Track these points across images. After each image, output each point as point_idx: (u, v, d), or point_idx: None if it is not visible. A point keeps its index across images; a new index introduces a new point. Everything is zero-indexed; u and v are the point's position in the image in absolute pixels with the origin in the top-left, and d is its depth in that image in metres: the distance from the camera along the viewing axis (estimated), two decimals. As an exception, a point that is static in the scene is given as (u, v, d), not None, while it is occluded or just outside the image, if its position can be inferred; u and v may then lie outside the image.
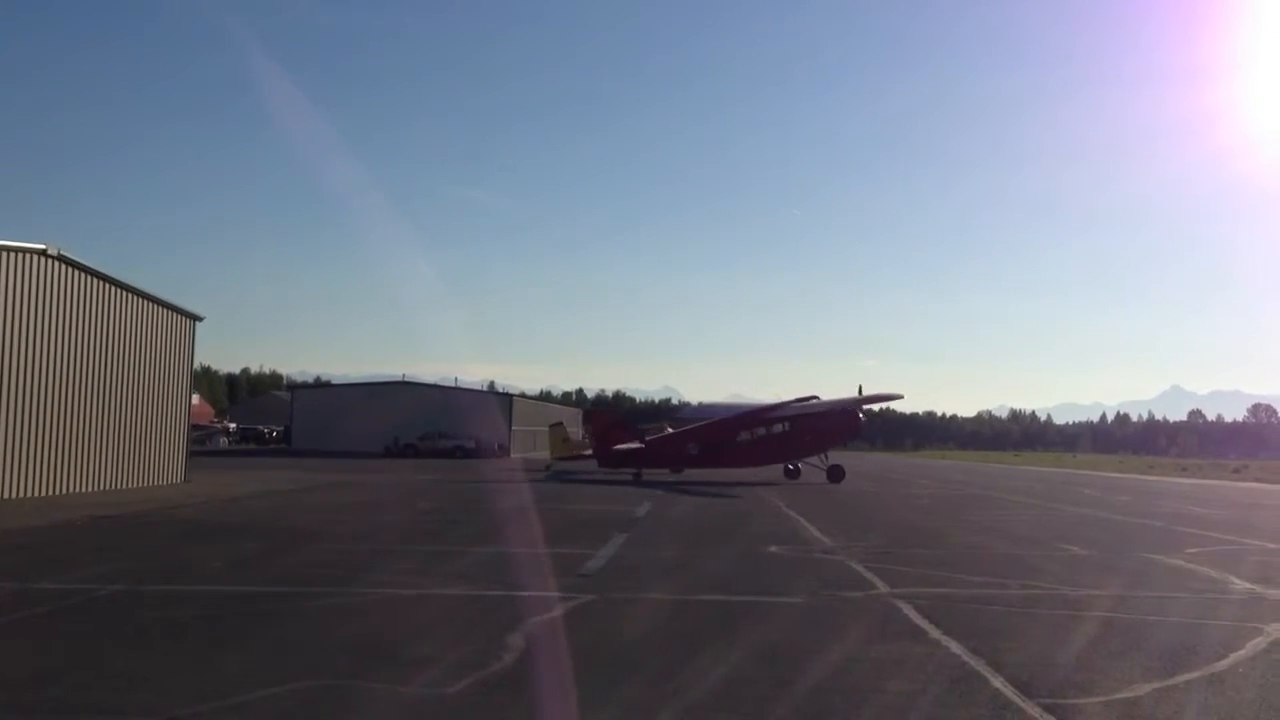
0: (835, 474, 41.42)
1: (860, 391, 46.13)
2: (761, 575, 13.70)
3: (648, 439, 44.32)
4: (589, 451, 46.84)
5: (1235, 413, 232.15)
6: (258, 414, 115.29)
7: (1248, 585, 13.35)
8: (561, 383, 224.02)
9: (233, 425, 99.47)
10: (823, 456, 43.44)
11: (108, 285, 27.51)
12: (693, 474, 41.70)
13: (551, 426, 53.80)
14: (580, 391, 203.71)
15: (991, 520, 24.62)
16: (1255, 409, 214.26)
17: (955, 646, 8.86)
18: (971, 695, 7.28)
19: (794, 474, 44.40)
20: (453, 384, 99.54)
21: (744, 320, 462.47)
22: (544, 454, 55.96)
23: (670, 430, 48.24)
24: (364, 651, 8.38)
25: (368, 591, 11.54)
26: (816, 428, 43.26)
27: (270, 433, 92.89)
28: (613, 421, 44.48)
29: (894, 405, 52.88)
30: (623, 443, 42.72)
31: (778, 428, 43.35)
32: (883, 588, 12.43)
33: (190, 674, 7.49)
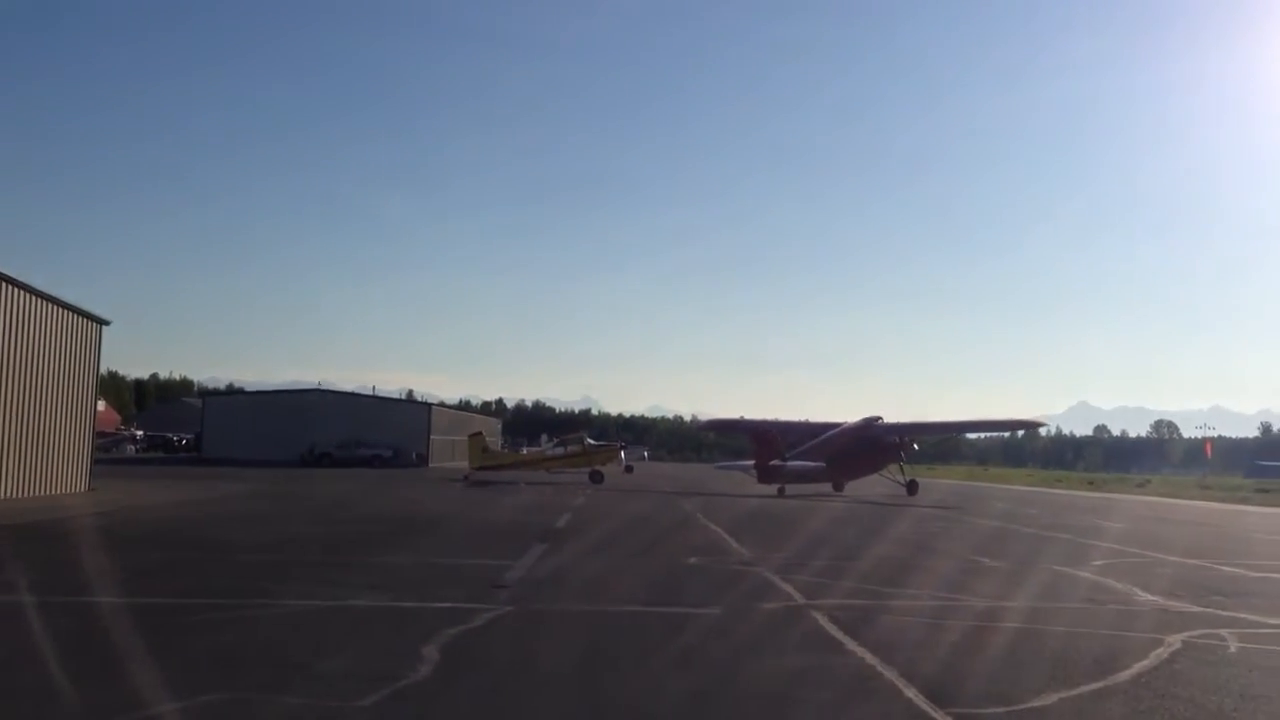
0: (914, 488, 44.34)
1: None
2: (680, 587, 13.72)
3: (790, 456, 43.21)
4: (509, 461, 46.75)
5: (1139, 428, 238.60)
6: (167, 421, 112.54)
7: (1151, 597, 13.72)
8: (481, 392, 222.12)
9: (140, 432, 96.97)
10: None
11: (7, 285, 26.65)
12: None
13: (471, 436, 53.52)
14: (500, 401, 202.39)
15: (906, 532, 24.98)
16: (1158, 425, 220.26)
17: (869, 657, 8.97)
18: (884, 706, 7.38)
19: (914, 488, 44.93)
20: (370, 392, 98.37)
21: (664, 331, 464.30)
22: (463, 463, 55.61)
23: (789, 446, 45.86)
24: (275, 664, 8.22)
25: (279, 603, 11.32)
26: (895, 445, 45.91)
27: (179, 440, 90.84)
28: (772, 442, 43.68)
29: (808, 419, 53.99)
30: (776, 460, 42.11)
31: (890, 439, 45.68)
32: (799, 599, 12.54)
33: (92, 689, 7.26)
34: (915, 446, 48.17)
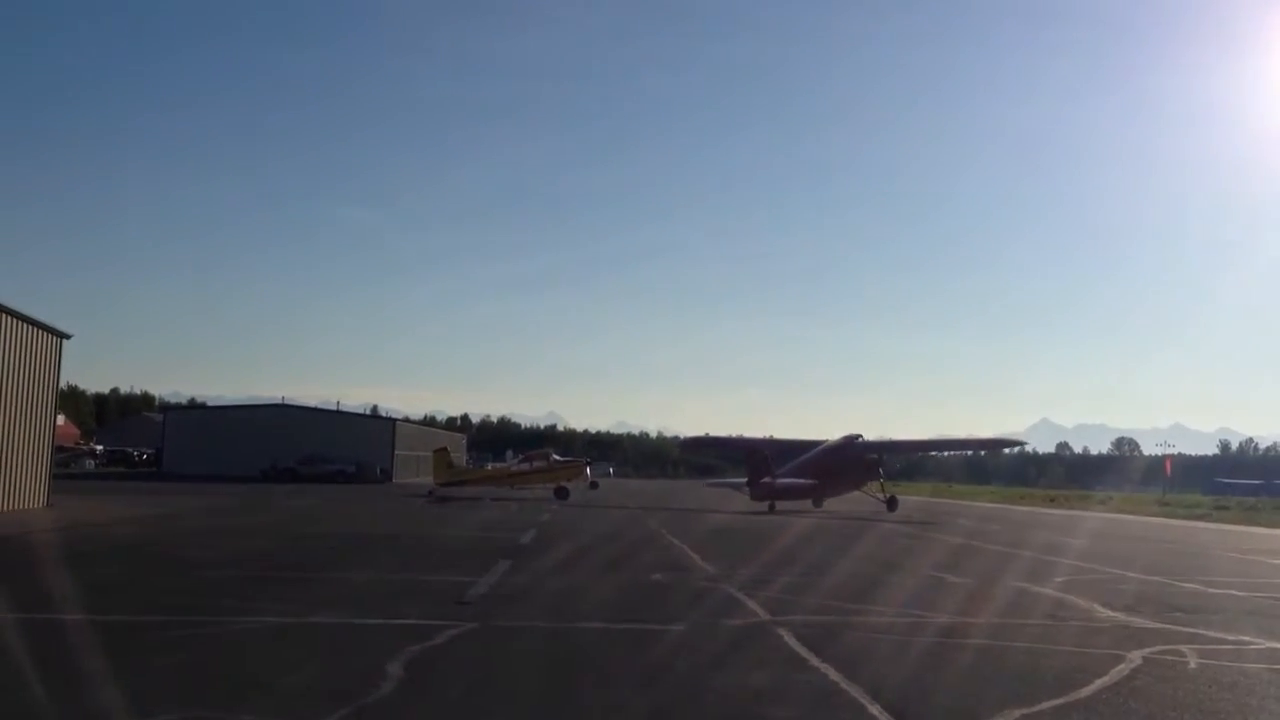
0: (894, 504, 45.04)
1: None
2: (644, 603, 13.70)
3: (778, 474, 43.51)
4: (474, 477, 46.63)
5: (1101, 445, 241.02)
6: (127, 436, 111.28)
7: (1111, 613, 13.82)
8: (446, 407, 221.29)
9: (99, 447, 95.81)
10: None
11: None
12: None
13: (436, 451, 53.32)
14: (465, 416, 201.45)
15: (871, 549, 25.08)
16: (1119, 442, 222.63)
17: (834, 674, 8.98)
18: (849, 722, 7.38)
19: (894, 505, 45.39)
20: (334, 407, 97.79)
21: (628, 348, 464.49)
22: (428, 479, 55.34)
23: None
24: (234, 682, 8.12)
25: (241, 620, 11.19)
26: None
27: (140, 455, 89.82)
28: (765, 459, 43.77)
29: (774, 435, 54.59)
30: (767, 477, 42.47)
31: (870, 456, 46.63)
32: (764, 615, 12.54)
33: (48, 708, 7.14)
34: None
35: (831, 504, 45.71)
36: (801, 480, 43.29)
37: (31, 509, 28.80)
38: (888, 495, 45.96)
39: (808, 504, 44.01)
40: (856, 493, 46.74)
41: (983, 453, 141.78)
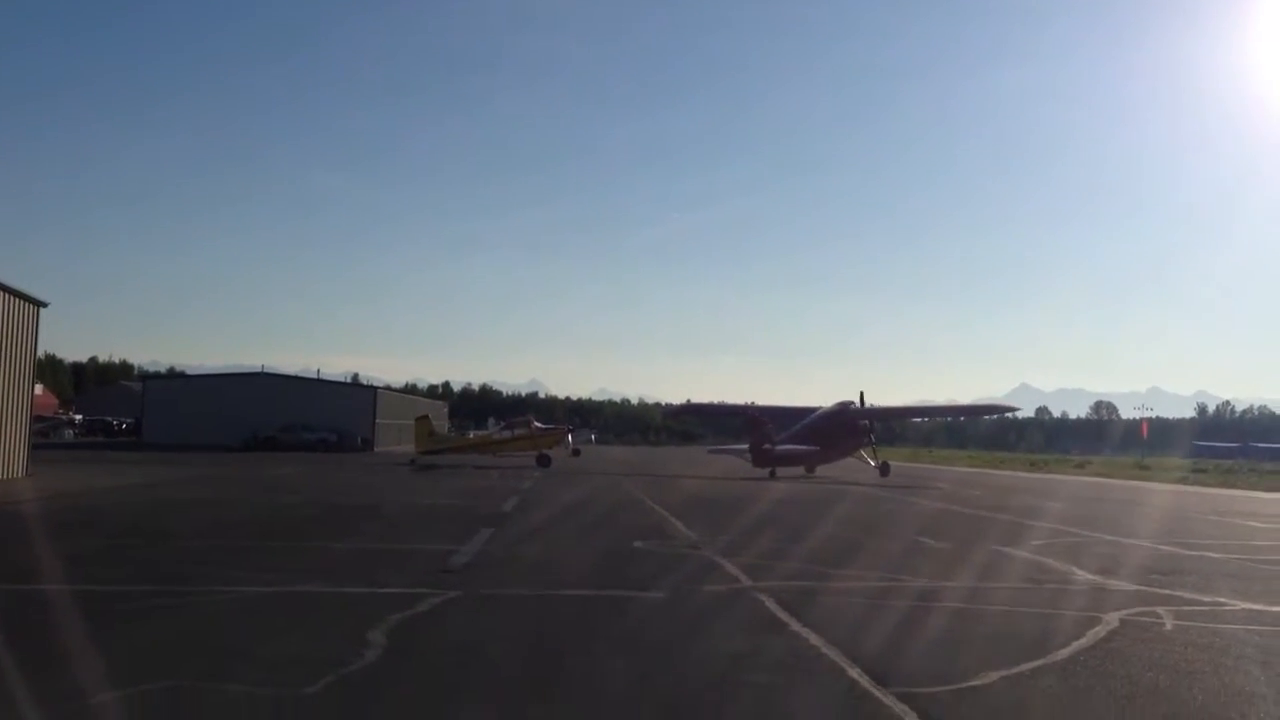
0: (886, 469, 45.53)
1: (863, 399, 48.58)
2: (626, 570, 13.75)
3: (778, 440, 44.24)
4: (455, 445, 46.83)
5: (1079, 410, 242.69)
6: (106, 405, 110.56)
7: (1089, 576, 13.97)
8: (427, 375, 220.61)
9: (79, 417, 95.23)
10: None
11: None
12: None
13: (417, 419, 53.23)
14: (447, 384, 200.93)
15: (851, 513, 25.24)
16: (1097, 406, 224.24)
17: (814, 638, 9.05)
18: (829, 685, 7.47)
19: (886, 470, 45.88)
20: (314, 376, 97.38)
21: (610, 315, 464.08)
22: (409, 447, 55.28)
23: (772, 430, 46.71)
24: (217, 651, 8.13)
25: (221, 589, 11.18)
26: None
27: (119, 425, 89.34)
28: (766, 427, 44.29)
29: (755, 401, 55.03)
30: (768, 444, 43.02)
31: (862, 423, 47.49)
32: (745, 581, 12.62)
33: (29, 678, 7.12)
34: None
35: (823, 470, 46.13)
36: (803, 446, 44.09)
37: (11, 479, 28.65)
38: (880, 461, 46.72)
39: (795, 470, 44.38)
40: (849, 459, 47.41)
41: (962, 419, 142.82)
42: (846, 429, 46.29)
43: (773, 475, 41.76)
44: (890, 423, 69.63)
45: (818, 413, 47.34)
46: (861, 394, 49.14)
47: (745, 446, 44.92)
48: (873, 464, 46.42)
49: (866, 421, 47.99)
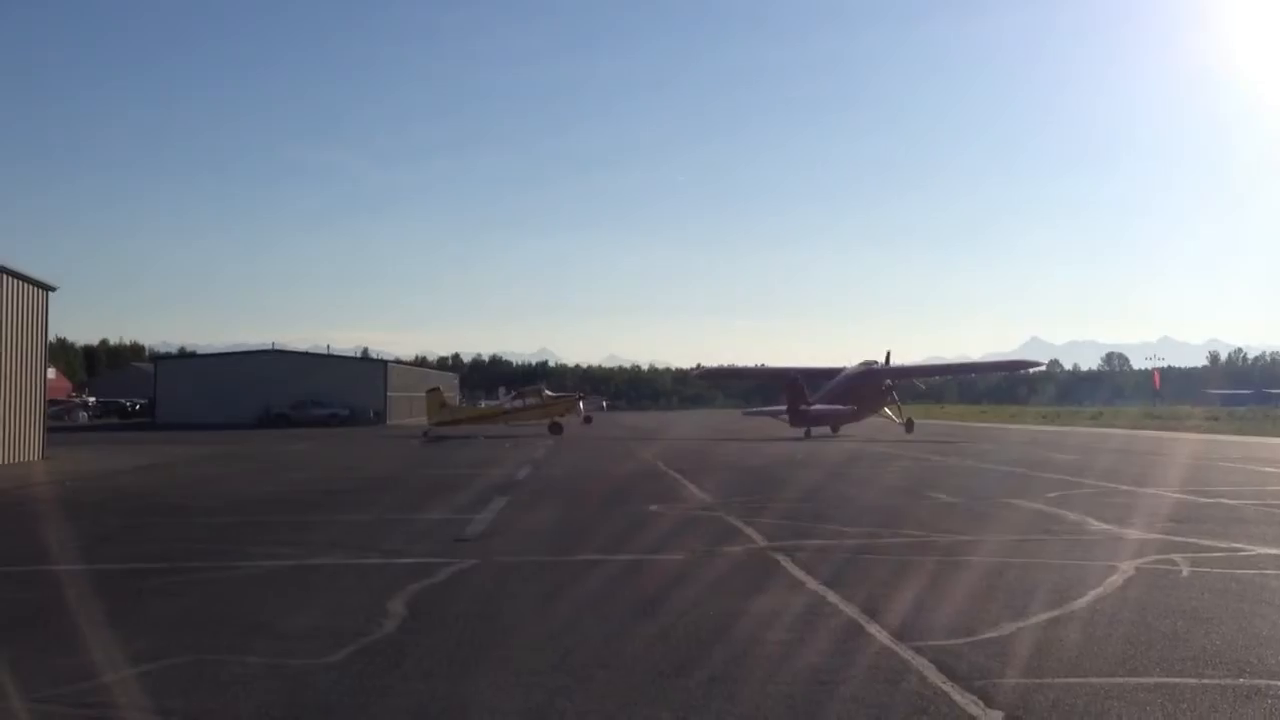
0: (911, 426, 46.89)
1: (889, 358, 50.32)
2: (642, 534, 13.79)
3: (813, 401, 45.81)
4: (467, 416, 47.48)
5: (1090, 361, 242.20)
6: (119, 387, 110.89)
7: (1104, 526, 13.98)
8: (437, 347, 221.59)
9: (92, 399, 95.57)
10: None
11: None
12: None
13: (428, 392, 53.33)
14: (456, 356, 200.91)
15: (865, 471, 25.27)
16: (1109, 357, 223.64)
17: (832, 596, 9.09)
18: (848, 642, 7.49)
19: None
20: (325, 351, 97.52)
21: (618, 283, 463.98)
22: (421, 420, 55.43)
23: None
24: (239, 625, 8.19)
25: (240, 565, 11.28)
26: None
27: (132, 406, 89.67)
28: (801, 388, 45.71)
29: (766, 363, 56.74)
30: (804, 405, 44.58)
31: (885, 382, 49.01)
32: (761, 542, 12.66)
33: (55, 655, 7.21)
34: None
35: (850, 429, 47.17)
36: (836, 406, 45.63)
37: (28, 462, 28.83)
38: (905, 418, 48.00)
39: (825, 430, 45.38)
40: (874, 418, 48.67)
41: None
42: (873, 388, 47.71)
43: (808, 435, 43.06)
44: (914, 381, 70.47)
45: (844, 373, 48.77)
46: (888, 354, 50.87)
47: (781, 408, 46.27)
48: (898, 421, 47.53)
49: (889, 381, 49.13)
